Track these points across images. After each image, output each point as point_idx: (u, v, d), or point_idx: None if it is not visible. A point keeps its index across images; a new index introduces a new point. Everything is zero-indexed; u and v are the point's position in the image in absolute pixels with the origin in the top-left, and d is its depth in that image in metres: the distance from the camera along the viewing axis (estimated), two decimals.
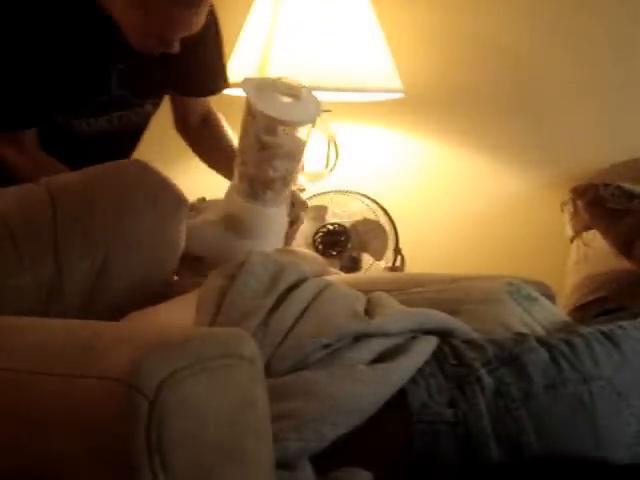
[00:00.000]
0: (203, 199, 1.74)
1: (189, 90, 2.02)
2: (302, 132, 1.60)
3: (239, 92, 2.26)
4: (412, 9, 2.64)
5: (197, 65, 1.93)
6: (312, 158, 2.33)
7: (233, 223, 1.63)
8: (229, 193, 1.66)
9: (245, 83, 1.60)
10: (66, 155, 1.82)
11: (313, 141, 1.81)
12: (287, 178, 1.62)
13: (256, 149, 1.58)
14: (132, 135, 2.00)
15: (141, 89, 1.90)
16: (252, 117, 1.57)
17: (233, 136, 2.00)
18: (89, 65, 1.79)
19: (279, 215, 1.66)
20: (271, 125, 1.56)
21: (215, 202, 1.71)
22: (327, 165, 2.45)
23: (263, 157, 1.58)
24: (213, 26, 1.93)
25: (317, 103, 1.63)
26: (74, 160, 1.72)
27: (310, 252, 1.81)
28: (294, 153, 1.60)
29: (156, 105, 1.99)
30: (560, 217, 2.35)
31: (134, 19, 1.70)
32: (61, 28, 1.73)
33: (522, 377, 1.22)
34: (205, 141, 2.05)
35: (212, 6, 1.83)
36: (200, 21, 1.73)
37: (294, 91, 1.59)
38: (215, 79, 2.03)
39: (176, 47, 1.75)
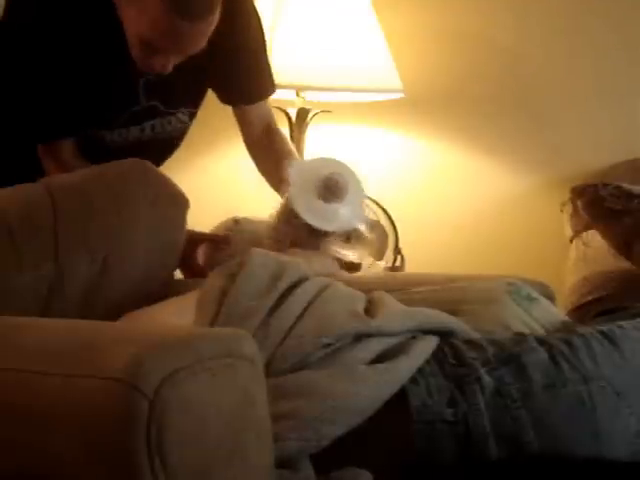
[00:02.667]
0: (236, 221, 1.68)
1: (232, 97, 1.95)
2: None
3: None
4: (412, 9, 2.64)
5: (236, 71, 1.86)
6: None
7: None
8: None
9: (292, 170, 1.54)
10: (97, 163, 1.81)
11: None
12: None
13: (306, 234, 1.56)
14: (165, 144, 1.94)
15: (172, 98, 1.85)
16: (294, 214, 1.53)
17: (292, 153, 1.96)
18: (116, 79, 1.76)
19: None
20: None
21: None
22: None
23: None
24: (248, 29, 1.86)
25: (361, 198, 1.57)
26: None
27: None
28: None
29: (192, 114, 1.93)
30: (559, 217, 2.35)
31: (130, 23, 1.64)
32: (86, 42, 1.70)
33: (522, 377, 1.23)
34: (263, 154, 1.98)
35: (250, 12, 1.77)
36: (200, 41, 1.63)
37: (338, 195, 1.53)
38: (259, 83, 1.95)
39: (168, 67, 1.67)
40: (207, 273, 1.45)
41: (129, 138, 1.85)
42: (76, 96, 1.74)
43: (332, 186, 1.52)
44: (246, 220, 1.69)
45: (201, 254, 1.63)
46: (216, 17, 1.63)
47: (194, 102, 1.93)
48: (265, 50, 1.95)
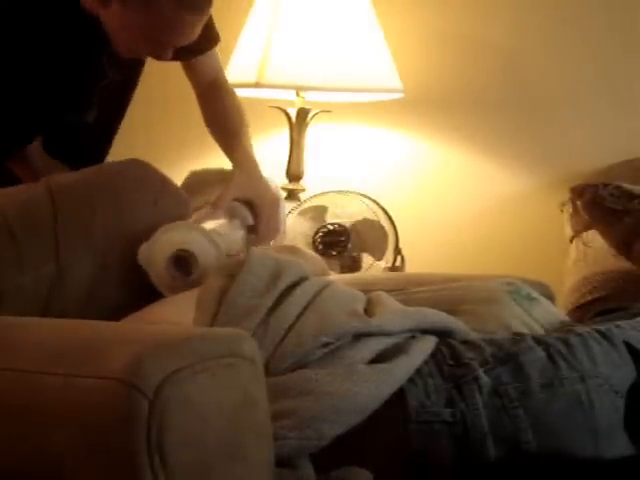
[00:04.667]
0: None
1: (182, 51, 1.90)
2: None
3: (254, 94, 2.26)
4: (412, 9, 2.64)
5: None
6: None
7: None
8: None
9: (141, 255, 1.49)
10: (72, 149, 1.82)
11: None
12: None
13: None
14: (123, 91, 1.97)
15: (130, 61, 1.86)
16: None
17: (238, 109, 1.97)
18: (82, 60, 1.77)
19: None
20: None
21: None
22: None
23: None
24: None
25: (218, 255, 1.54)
26: (81, 153, 1.71)
27: (311, 252, 1.80)
28: None
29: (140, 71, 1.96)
30: (559, 217, 2.35)
31: (132, 22, 1.66)
32: (47, 32, 1.70)
33: (519, 376, 1.23)
34: (209, 107, 2.00)
35: None
36: (198, 30, 1.70)
37: (189, 269, 1.50)
38: (206, 35, 1.89)
39: (168, 55, 1.72)
40: None
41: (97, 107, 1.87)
42: (46, 86, 1.74)
43: (183, 263, 1.50)
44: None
45: None
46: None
47: (142, 61, 1.94)
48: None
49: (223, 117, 1.97)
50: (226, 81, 2.04)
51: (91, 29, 1.72)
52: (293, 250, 1.56)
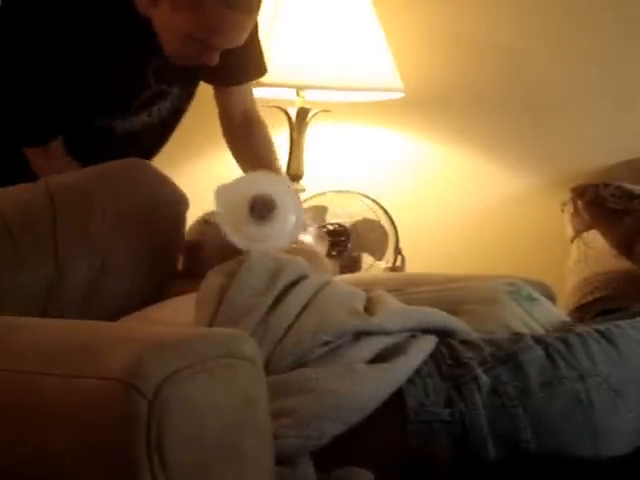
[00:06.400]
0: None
1: (221, 76, 1.94)
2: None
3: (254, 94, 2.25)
4: (413, 9, 2.64)
5: (230, 52, 1.85)
6: None
7: None
8: None
9: (217, 194, 1.51)
10: (98, 156, 1.81)
11: None
12: None
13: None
14: (165, 125, 1.96)
15: (176, 79, 1.87)
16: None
17: (274, 149, 1.98)
18: (126, 65, 1.77)
19: None
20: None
21: None
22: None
23: None
24: None
25: (296, 213, 1.54)
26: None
27: (327, 260, 1.76)
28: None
29: (188, 93, 1.94)
30: (560, 217, 2.35)
31: (179, 22, 1.68)
32: (95, 32, 1.71)
33: (518, 375, 1.23)
34: (240, 143, 2.01)
35: None
36: (247, 32, 1.72)
37: (267, 215, 1.50)
38: (249, 64, 1.96)
39: (215, 59, 1.74)
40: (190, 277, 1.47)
41: (138, 124, 1.87)
42: (87, 85, 1.75)
43: (260, 207, 1.49)
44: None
45: (180, 261, 1.64)
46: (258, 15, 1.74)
47: (192, 80, 1.94)
48: (258, 32, 1.95)
49: (258, 156, 1.96)
50: (259, 115, 2.03)
51: (141, 34, 1.73)
52: (308, 253, 1.55)
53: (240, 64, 1.93)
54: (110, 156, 1.62)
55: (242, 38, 1.73)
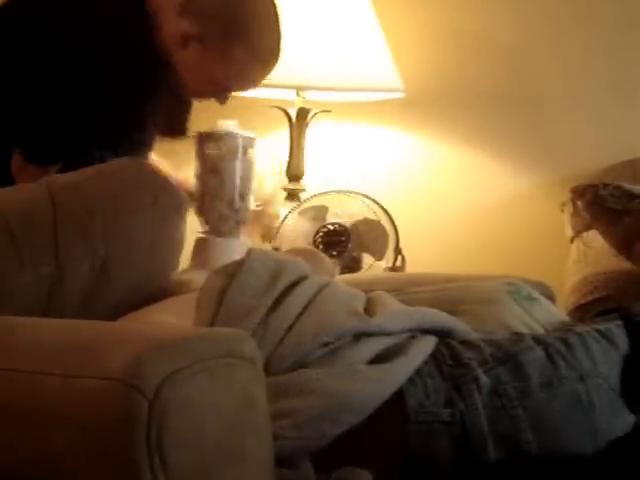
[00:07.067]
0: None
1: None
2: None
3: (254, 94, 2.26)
4: (412, 9, 2.64)
5: None
6: None
7: None
8: None
9: None
10: None
11: None
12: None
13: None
14: None
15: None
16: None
17: None
18: (130, 101, 1.76)
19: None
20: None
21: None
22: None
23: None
24: None
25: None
26: None
27: (328, 260, 1.76)
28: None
29: None
30: (560, 217, 2.35)
31: (207, 68, 1.75)
32: (106, 61, 1.69)
33: (519, 376, 1.23)
34: None
35: None
36: (261, 82, 1.82)
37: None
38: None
39: (226, 100, 1.82)
40: None
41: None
42: (91, 111, 1.74)
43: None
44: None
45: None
46: None
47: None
48: None
49: None
50: None
51: (151, 70, 1.73)
52: (309, 254, 1.55)
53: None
54: None
55: (258, 86, 1.85)
